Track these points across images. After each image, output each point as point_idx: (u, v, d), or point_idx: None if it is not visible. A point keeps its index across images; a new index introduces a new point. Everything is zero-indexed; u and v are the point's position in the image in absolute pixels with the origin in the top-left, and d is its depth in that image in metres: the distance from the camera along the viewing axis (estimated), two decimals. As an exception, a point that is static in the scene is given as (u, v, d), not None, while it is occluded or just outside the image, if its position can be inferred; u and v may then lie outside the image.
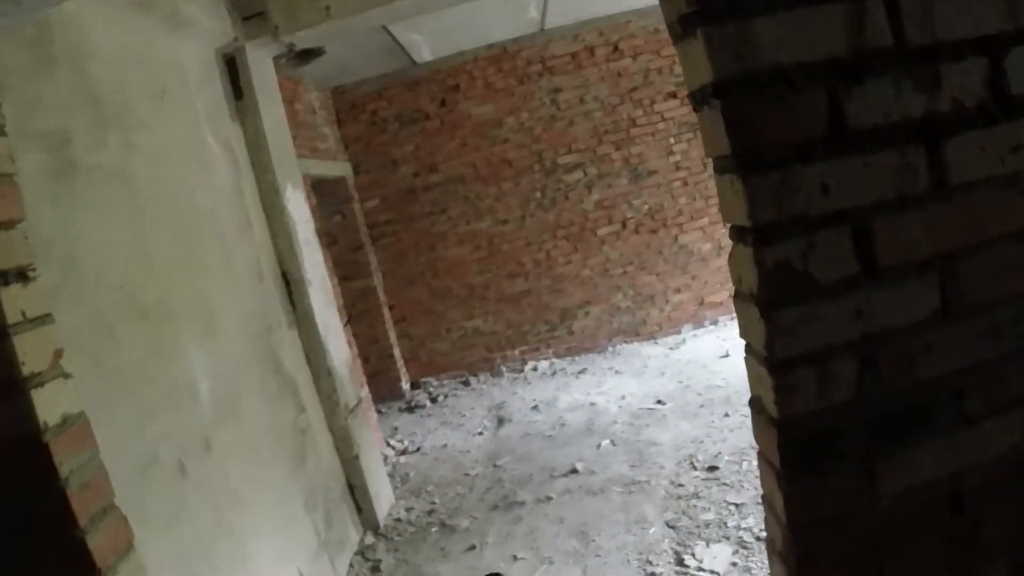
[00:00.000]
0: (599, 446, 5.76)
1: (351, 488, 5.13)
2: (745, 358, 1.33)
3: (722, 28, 1.12)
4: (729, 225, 1.26)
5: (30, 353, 1.87)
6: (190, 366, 3.54)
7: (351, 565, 4.72)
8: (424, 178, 8.39)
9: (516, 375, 8.40)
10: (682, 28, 1.19)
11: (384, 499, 5.45)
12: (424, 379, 8.70)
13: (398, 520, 5.30)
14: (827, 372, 1.21)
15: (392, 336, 8.48)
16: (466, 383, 8.46)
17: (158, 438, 3.13)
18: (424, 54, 7.71)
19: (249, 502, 3.75)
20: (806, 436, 1.23)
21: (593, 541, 4.34)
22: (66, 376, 1.96)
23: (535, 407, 7.11)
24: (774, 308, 1.19)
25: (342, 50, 6.59)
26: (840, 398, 1.22)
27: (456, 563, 4.52)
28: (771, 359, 1.21)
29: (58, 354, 1.96)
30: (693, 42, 1.17)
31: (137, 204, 3.42)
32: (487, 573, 3.04)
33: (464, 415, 7.44)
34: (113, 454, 2.69)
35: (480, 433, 6.80)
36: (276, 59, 5.31)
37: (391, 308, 8.58)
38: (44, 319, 1.94)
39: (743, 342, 1.32)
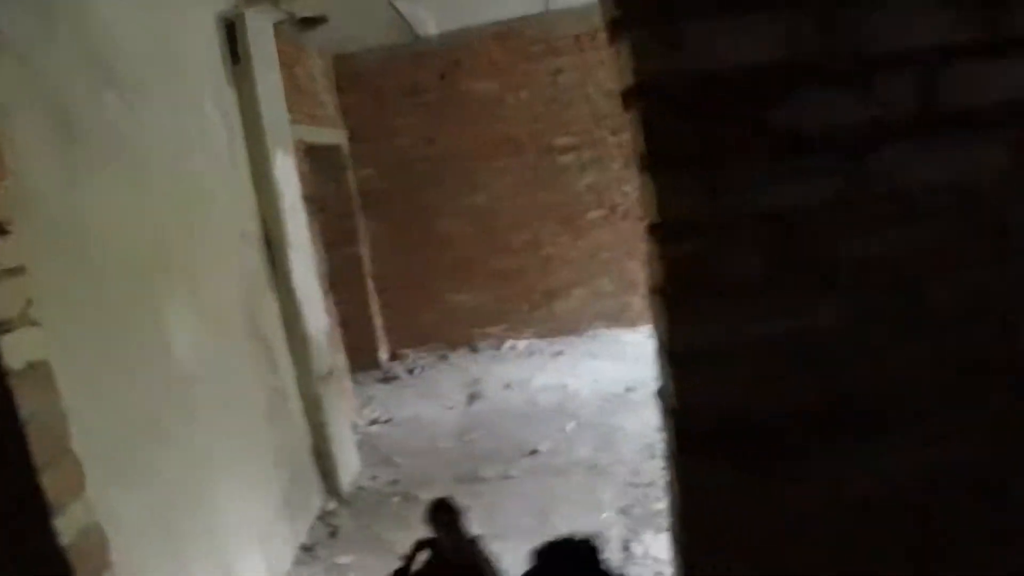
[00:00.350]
0: (566, 428, 5.87)
1: (317, 454, 5.23)
2: (655, 350, 1.39)
3: (647, 32, 1.16)
4: (646, 221, 1.31)
5: (1, 301, 1.96)
6: (170, 324, 3.62)
7: (311, 528, 4.84)
8: (420, 150, 8.41)
9: (495, 352, 8.47)
10: (612, 31, 1.24)
11: (350, 467, 5.55)
12: (403, 351, 8.77)
13: (362, 488, 5.40)
14: (728, 368, 1.26)
15: (374, 305, 8.56)
16: (444, 357, 8.54)
17: (135, 391, 3.22)
18: (429, 28, 7.70)
19: (216, 453, 3.84)
20: (702, 428, 1.28)
21: (548, 520, 4.46)
22: (34, 324, 2.05)
23: (508, 385, 7.21)
24: (677, 302, 1.24)
25: (346, 20, 6.60)
26: (741, 395, 1.26)
27: (414, 532, 4.61)
28: (672, 350, 1.26)
29: (28, 303, 2.04)
30: (622, 45, 1.21)
31: (133, 165, 3.48)
32: (438, 498, 2.97)
33: (439, 389, 7.53)
34: (88, 397, 2.81)
35: (452, 408, 6.89)
36: (278, 24, 5.36)
37: (376, 278, 8.64)
38: (17, 271, 2.02)
39: (654, 333, 1.38)
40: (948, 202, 1.24)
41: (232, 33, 4.77)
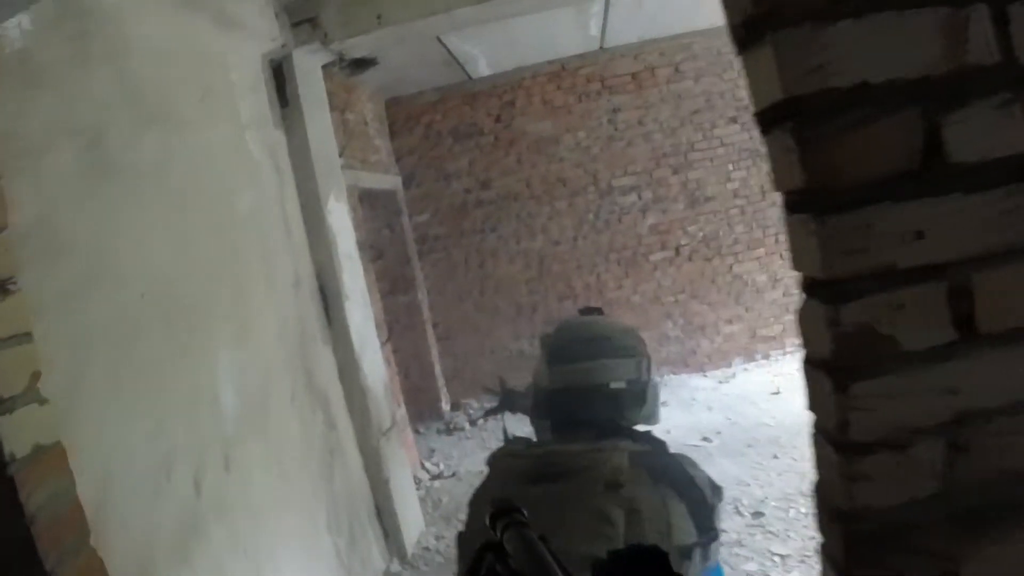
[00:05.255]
0: (640, 482, 5.51)
1: (379, 513, 4.95)
2: (813, 435, 1.09)
3: (796, 34, 0.90)
4: (800, 275, 1.03)
5: (2, 375, 1.66)
6: (216, 373, 3.40)
7: (374, 593, 4.55)
8: (476, 194, 8.24)
9: (561, 400, 8.15)
10: (747, 33, 0.97)
11: (414, 526, 5.27)
12: (465, 400, 8.49)
13: (426, 548, 5.11)
14: (910, 459, 0.97)
15: (435, 354, 8.32)
16: (508, 406, 8.25)
17: (175, 444, 2.98)
18: (481, 68, 7.58)
19: (267, 519, 3.59)
20: (877, 532, 0.99)
21: None
22: (42, 402, 1.72)
23: (576, 436, 6.86)
24: (852, 379, 0.95)
25: (397, 61, 6.49)
26: (924, 490, 0.97)
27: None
28: (845, 441, 0.97)
29: (35, 376, 1.70)
30: (761, 51, 0.94)
31: (172, 204, 3.29)
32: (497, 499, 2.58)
33: (503, 440, 7.21)
34: (125, 457, 2.61)
35: (517, 460, 6.57)
36: (328, 67, 5.21)
37: (435, 325, 8.41)
38: (21, 338, 1.69)
39: (812, 415, 1.08)
40: None
41: (280, 74, 4.60)
